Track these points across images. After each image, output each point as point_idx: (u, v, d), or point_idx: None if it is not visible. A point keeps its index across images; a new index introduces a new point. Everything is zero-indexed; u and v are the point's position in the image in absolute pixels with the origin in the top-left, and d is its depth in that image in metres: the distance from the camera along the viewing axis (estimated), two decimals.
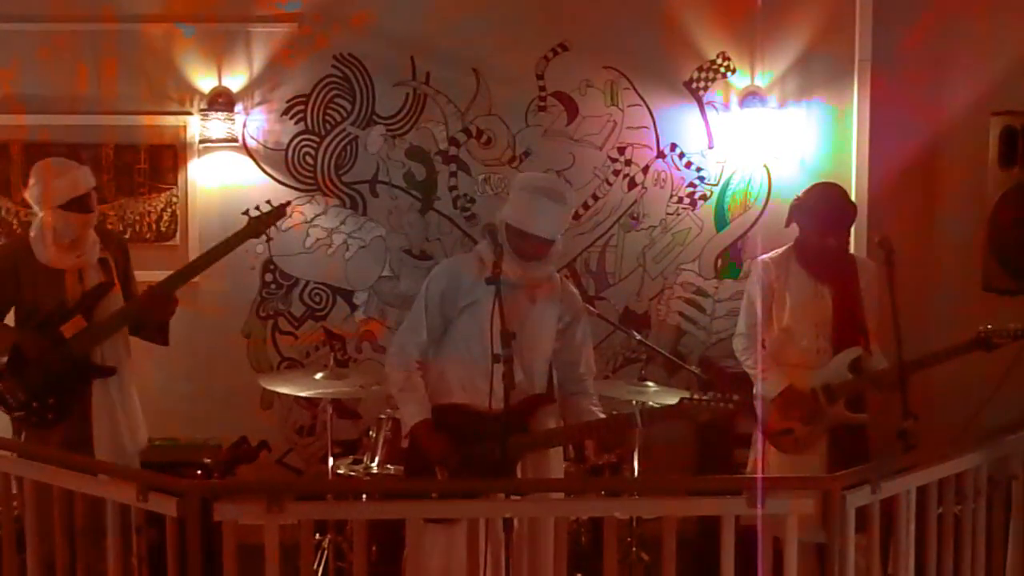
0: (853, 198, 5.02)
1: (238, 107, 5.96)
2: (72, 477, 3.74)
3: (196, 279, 5.40)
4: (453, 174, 6.10)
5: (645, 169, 6.13)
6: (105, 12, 5.87)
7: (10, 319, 4.66)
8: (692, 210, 6.15)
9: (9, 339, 4.53)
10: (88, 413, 4.56)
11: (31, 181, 4.60)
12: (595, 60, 6.06)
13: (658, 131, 6.11)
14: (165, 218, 5.98)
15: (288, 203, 5.06)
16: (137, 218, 5.97)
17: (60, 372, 4.50)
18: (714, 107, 6.10)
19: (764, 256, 4.83)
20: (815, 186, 4.82)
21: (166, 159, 5.99)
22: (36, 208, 4.62)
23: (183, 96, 5.98)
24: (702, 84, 6.09)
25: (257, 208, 5.61)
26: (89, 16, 5.87)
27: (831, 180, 5.08)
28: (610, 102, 6.09)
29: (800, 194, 4.77)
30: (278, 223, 4.96)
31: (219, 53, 5.96)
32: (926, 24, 5.90)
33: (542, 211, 4.03)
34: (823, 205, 4.66)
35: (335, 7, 5.98)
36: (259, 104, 6.01)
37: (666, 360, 5.68)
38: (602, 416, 4.24)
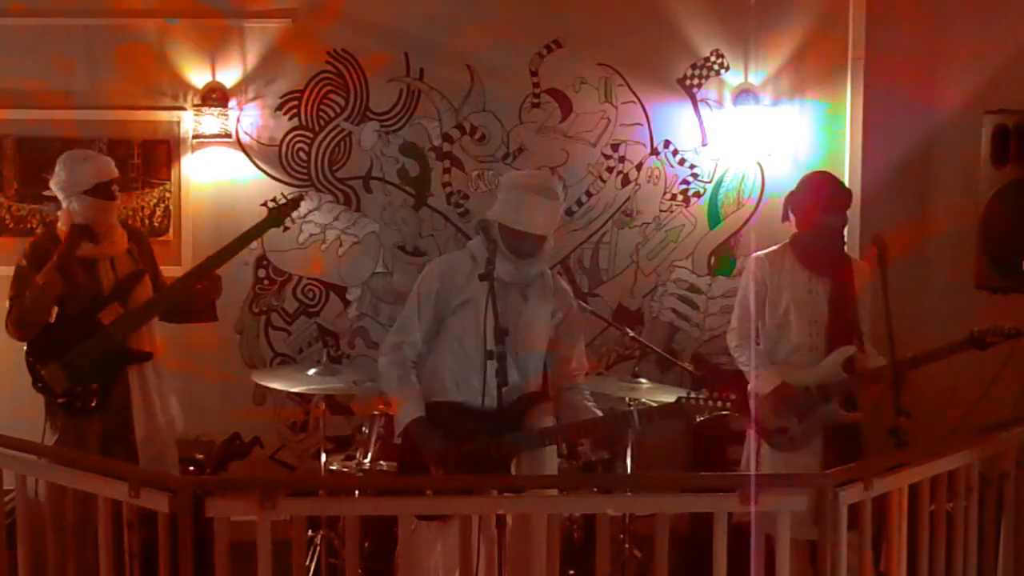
0: None
1: (232, 102, 5.94)
2: (63, 472, 3.73)
3: None
4: (447, 170, 6.09)
5: (639, 166, 6.13)
6: (99, 6, 5.86)
7: None
8: (685, 207, 6.15)
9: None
10: (127, 400, 4.70)
11: (56, 169, 4.72)
12: (589, 57, 6.06)
13: (652, 128, 6.11)
14: (158, 213, 5.97)
15: (303, 195, 5.23)
16: (130, 213, 5.92)
17: (100, 357, 4.62)
18: (708, 104, 6.10)
19: (759, 252, 4.83)
20: (808, 175, 4.84)
21: (159, 154, 5.97)
22: (61, 196, 4.72)
23: (176, 91, 5.97)
24: (696, 81, 6.09)
25: (274, 200, 5.51)
26: (83, 10, 5.86)
27: None
28: (604, 99, 6.09)
29: (794, 187, 4.79)
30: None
31: (213, 48, 5.95)
32: (919, 22, 5.90)
33: (533, 208, 4.02)
34: (818, 189, 4.68)
35: (329, 3, 5.96)
36: (253, 99, 6.00)
37: (659, 357, 5.67)
38: (599, 414, 4.23)
